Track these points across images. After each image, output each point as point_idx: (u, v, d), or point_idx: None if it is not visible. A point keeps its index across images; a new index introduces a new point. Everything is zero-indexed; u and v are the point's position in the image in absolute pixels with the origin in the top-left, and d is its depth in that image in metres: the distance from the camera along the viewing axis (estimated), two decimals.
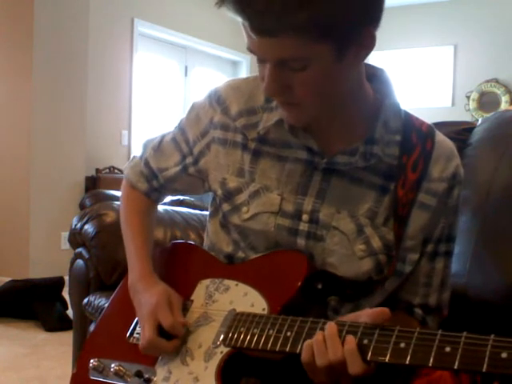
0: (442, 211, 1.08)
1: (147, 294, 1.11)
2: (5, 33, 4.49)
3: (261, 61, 0.96)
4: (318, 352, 0.86)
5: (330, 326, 0.87)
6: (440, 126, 1.59)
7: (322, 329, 0.89)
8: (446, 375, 1.02)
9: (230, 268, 1.13)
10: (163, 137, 1.26)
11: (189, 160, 1.19)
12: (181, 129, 1.22)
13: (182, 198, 3.13)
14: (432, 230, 1.08)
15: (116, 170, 5.15)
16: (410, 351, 0.79)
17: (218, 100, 1.15)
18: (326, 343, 0.86)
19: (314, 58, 0.90)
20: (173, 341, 1.06)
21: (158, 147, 1.25)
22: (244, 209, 1.09)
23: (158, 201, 1.30)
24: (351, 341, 0.84)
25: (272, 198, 1.07)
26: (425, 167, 1.05)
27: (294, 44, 0.88)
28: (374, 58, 1.03)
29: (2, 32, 4.50)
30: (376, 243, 1.04)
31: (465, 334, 0.76)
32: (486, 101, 6.64)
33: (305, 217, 1.06)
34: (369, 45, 0.94)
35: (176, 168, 1.21)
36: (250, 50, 0.94)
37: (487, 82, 6.63)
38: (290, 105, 0.99)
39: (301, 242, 1.06)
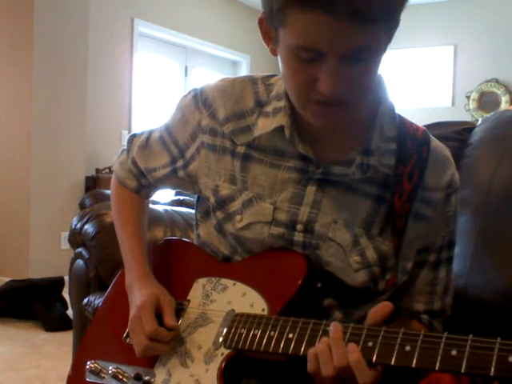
0: (441, 221, 1.06)
1: (138, 294, 1.09)
2: (5, 33, 4.48)
3: (315, 58, 0.87)
4: (322, 361, 0.85)
5: (336, 330, 0.86)
6: (440, 126, 1.60)
7: (325, 331, 0.88)
8: (446, 375, 1.02)
9: (227, 266, 1.11)
10: (150, 134, 1.22)
11: (179, 163, 1.16)
12: (168, 128, 1.18)
13: (181, 197, 3.12)
14: (432, 239, 1.07)
15: None
16: (416, 354, 0.78)
17: (204, 102, 1.11)
18: (330, 350, 0.85)
19: (378, 46, 0.88)
20: (167, 343, 1.04)
21: (145, 145, 1.22)
22: (237, 217, 1.07)
23: (148, 197, 1.28)
24: (354, 349, 0.83)
25: (264, 208, 1.05)
26: (420, 176, 1.03)
27: (376, 32, 0.85)
28: None
29: (2, 32, 4.49)
30: (371, 255, 1.02)
31: (471, 336, 0.75)
32: (486, 101, 6.63)
33: (299, 227, 1.03)
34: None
35: (165, 170, 1.18)
36: (305, 47, 0.86)
37: (487, 82, 6.63)
38: (337, 105, 0.92)
39: (297, 251, 1.04)
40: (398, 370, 0.85)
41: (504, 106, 6.48)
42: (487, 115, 1.74)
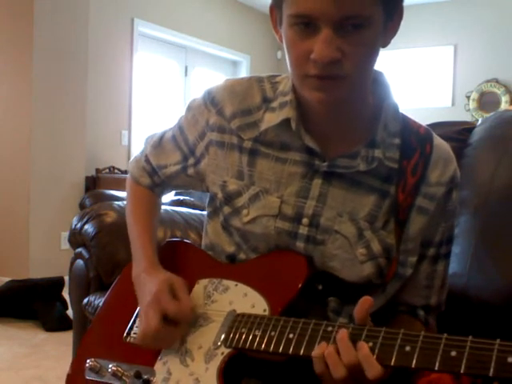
0: (441, 215, 1.08)
1: (150, 283, 1.10)
2: (5, 33, 4.49)
3: (311, 30, 0.93)
4: (332, 364, 0.85)
5: (341, 331, 0.86)
6: (440, 126, 1.59)
7: (326, 331, 0.88)
8: (445, 375, 1.02)
9: (229, 268, 1.12)
10: (164, 134, 1.26)
11: (191, 161, 1.19)
12: (180, 128, 1.22)
13: (182, 197, 3.13)
14: (432, 233, 1.09)
15: (116, 170, 5.15)
16: (416, 355, 0.79)
17: (212, 101, 1.14)
18: (337, 352, 0.85)
19: (371, 18, 0.92)
20: (178, 328, 1.04)
21: (158, 144, 1.26)
22: (244, 212, 1.09)
23: (161, 194, 1.31)
24: (363, 346, 0.83)
25: (271, 201, 1.07)
26: (424, 171, 1.05)
27: (367, 1, 0.91)
28: None
29: (2, 32, 4.50)
30: (376, 247, 1.04)
31: (470, 338, 0.76)
32: (486, 101, 6.64)
33: (305, 220, 1.05)
34: (401, 17, 1.01)
35: (176, 167, 1.22)
36: (300, 15, 0.92)
37: (487, 82, 6.63)
38: (332, 79, 0.94)
39: (300, 245, 1.05)
40: (398, 371, 0.85)
41: (504, 105, 6.48)
42: (487, 115, 1.74)
